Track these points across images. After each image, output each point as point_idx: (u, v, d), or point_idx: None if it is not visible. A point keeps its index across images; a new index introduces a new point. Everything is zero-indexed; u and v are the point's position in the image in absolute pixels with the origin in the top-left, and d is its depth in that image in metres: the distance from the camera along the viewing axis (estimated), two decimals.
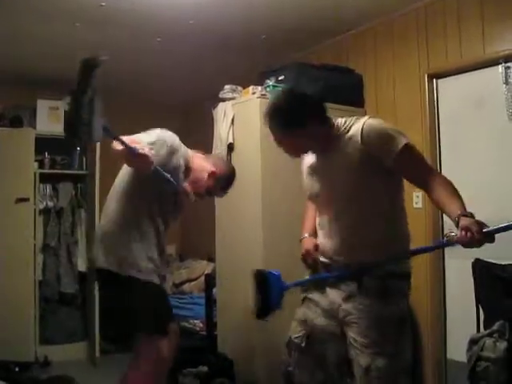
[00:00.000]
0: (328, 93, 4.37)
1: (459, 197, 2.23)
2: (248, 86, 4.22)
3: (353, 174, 2.38)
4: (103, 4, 3.98)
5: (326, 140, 2.46)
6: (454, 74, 4.05)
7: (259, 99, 4.04)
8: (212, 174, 3.10)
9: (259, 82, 4.32)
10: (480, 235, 2.02)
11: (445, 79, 4.14)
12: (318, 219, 2.63)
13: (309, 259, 2.63)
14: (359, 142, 2.35)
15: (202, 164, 3.13)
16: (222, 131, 4.26)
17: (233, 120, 4.23)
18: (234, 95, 4.33)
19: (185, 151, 3.08)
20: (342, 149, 2.41)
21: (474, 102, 3.92)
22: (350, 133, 2.40)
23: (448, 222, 4.04)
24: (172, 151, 2.91)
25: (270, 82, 4.22)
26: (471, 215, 2.10)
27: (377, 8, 4.31)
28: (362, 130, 2.36)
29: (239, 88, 4.36)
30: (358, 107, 4.62)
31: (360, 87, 4.70)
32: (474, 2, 3.82)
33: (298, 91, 2.50)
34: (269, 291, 2.65)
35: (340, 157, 2.42)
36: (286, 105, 2.42)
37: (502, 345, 2.85)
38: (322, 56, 4.95)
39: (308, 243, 2.65)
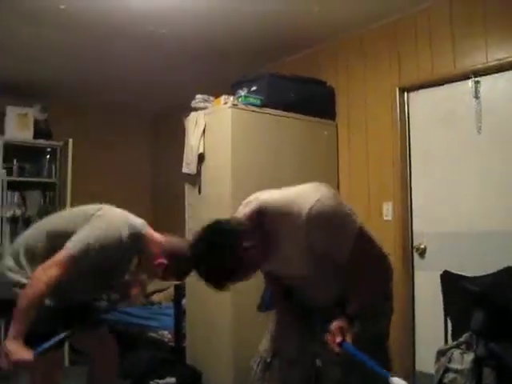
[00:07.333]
0: (299, 104, 4.42)
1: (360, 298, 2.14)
2: (220, 96, 4.19)
3: (303, 262, 2.15)
4: (62, 7, 3.89)
5: (266, 245, 2.12)
6: (425, 88, 4.10)
7: (231, 109, 4.02)
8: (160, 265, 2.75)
9: (231, 91, 4.32)
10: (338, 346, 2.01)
11: (416, 92, 4.18)
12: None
13: None
14: (303, 235, 2.05)
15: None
16: (193, 141, 4.22)
17: (204, 130, 4.20)
18: (206, 105, 4.30)
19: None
20: (285, 242, 2.13)
21: (444, 115, 3.97)
22: (290, 224, 2.06)
23: (416, 233, 4.08)
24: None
25: (242, 93, 4.22)
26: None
27: (349, 22, 4.35)
28: (306, 222, 2.01)
29: (211, 98, 4.33)
30: (329, 119, 4.66)
31: (332, 99, 4.72)
32: (445, 18, 3.88)
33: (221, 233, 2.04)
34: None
35: (285, 249, 2.15)
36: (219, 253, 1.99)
37: (470, 356, 2.86)
38: (294, 67, 4.95)
39: None
